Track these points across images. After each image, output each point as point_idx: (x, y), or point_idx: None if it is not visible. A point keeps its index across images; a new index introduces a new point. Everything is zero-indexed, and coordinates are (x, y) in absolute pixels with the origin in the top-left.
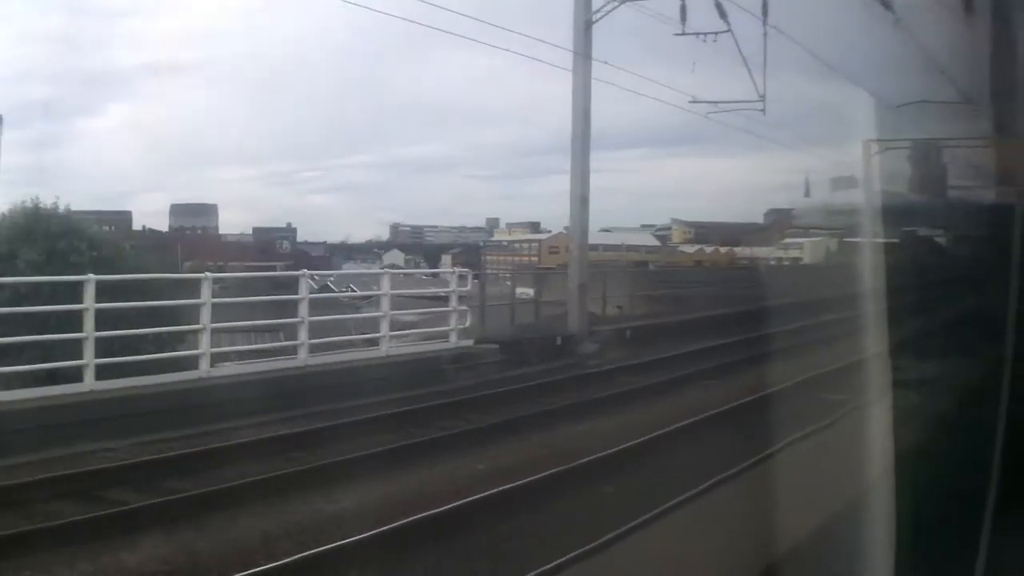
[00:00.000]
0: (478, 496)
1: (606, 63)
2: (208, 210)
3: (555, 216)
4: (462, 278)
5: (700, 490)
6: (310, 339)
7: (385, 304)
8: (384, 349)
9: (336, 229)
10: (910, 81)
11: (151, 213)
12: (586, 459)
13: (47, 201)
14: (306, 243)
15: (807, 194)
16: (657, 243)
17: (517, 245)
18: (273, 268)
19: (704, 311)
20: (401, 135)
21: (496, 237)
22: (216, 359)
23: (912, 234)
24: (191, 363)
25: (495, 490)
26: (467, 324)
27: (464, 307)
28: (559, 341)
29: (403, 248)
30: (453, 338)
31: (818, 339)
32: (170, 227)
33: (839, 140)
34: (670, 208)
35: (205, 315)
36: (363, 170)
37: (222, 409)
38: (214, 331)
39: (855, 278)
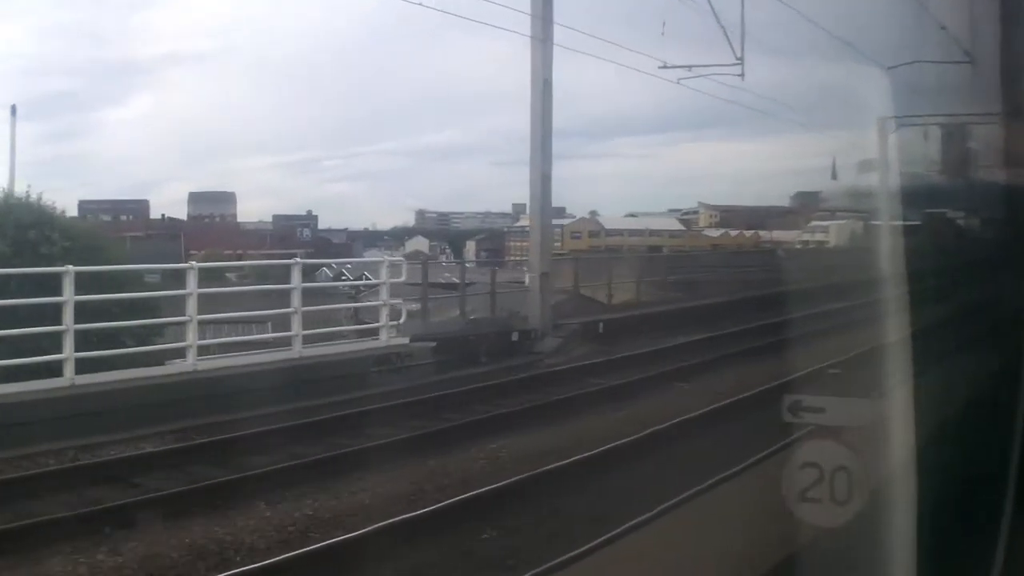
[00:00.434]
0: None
1: (628, 49)
2: (226, 198)
3: (580, 201)
4: (394, 267)
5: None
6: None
7: (296, 300)
8: (297, 350)
9: (361, 216)
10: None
11: (178, 202)
12: (465, 495)
13: (69, 193)
14: (327, 231)
15: (834, 176)
16: (681, 227)
17: None
18: (293, 256)
19: (716, 297)
20: (424, 121)
21: (519, 223)
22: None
23: (935, 217)
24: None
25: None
26: (402, 320)
27: (399, 300)
28: (515, 337)
29: (427, 234)
30: (384, 336)
31: (835, 325)
32: (188, 215)
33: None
34: (697, 192)
35: (193, 306)
36: (387, 157)
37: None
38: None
39: (877, 262)
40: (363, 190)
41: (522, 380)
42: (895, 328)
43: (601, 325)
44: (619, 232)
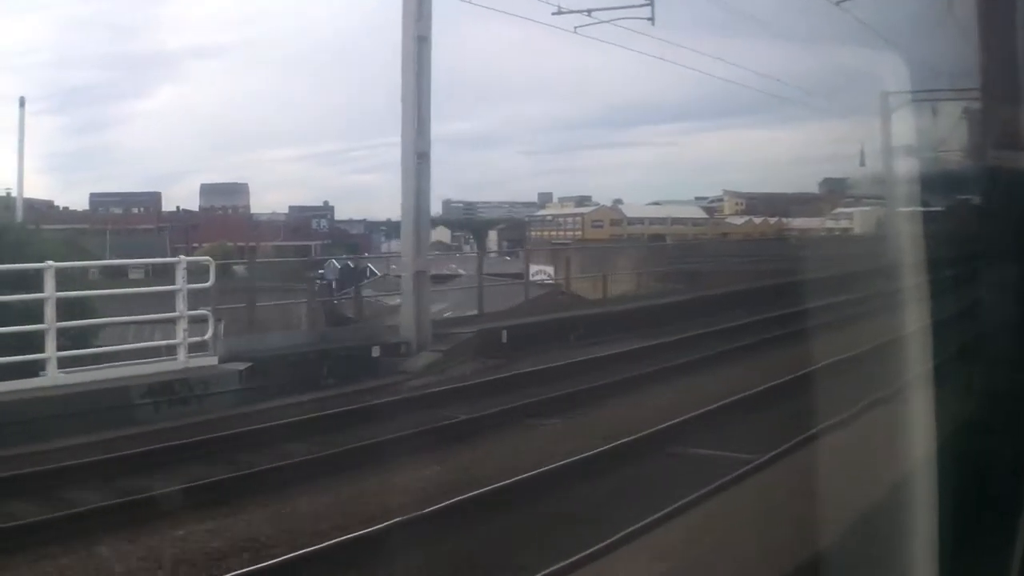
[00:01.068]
0: None
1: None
2: (239, 189)
3: (606, 190)
4: (195, 272)
5: None
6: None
7: (49, 311)
8: (52, 376)
9: (389, 207)
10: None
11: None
12: None
13: (92, 185)
14: (345, 221)
15: (862, 163)
16: (704, 215)
17: (561, 220)
18: (308, 248)
19: (714, 289)
20: (448, 111)
21: (541, 212)
22: None
23: (957, 202)
24: None
25: None
26: (207, 335)
27: (206, 311)
28: (376, 352)
29: (450, 224)
30: (182, 356)
31: (845, 317)
32: (200, 207)
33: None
34: (723, 180)
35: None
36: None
37: None
38: None
39: (897, 249)
40: (390, 180)
41: (338, 415)
42: (912, 318)
43: (504, 333)
44: (640, 220)
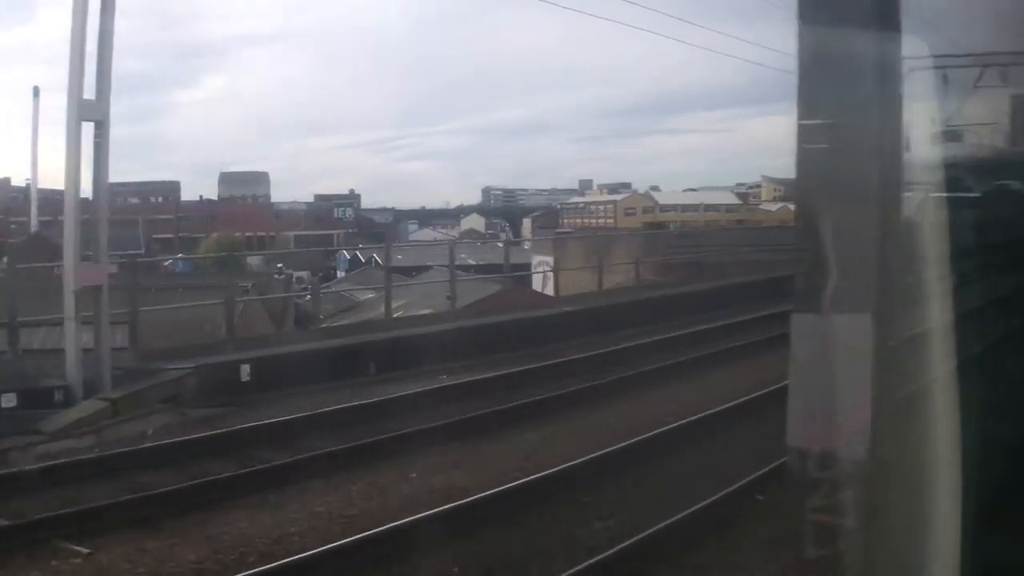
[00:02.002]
0: None
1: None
2: (258, 178)
3: (650, 176)
4: None
5: None
6: None
7: None
8: None
9: (433, 195)
10: None
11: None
12: None
13: (141, 175)
14: (371, 210)
15: (907, 148)
16: (737, 201)
17: (593, 207)
18: (330, 237)
19: (712, 281)
20: (494, 99)
21: (574, 200)
22: None
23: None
24: None
25: None
26: None
27: None
28: (9, 402)
29: (486, 213)
30: None
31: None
32: (219, 196)
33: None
34: (767, 166)
35: None
36: (458, 136)
37: None
38: None
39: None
40: (436, 168)
41: None
42: (936, 312)
43: (246, 368)
44: (673, 207)
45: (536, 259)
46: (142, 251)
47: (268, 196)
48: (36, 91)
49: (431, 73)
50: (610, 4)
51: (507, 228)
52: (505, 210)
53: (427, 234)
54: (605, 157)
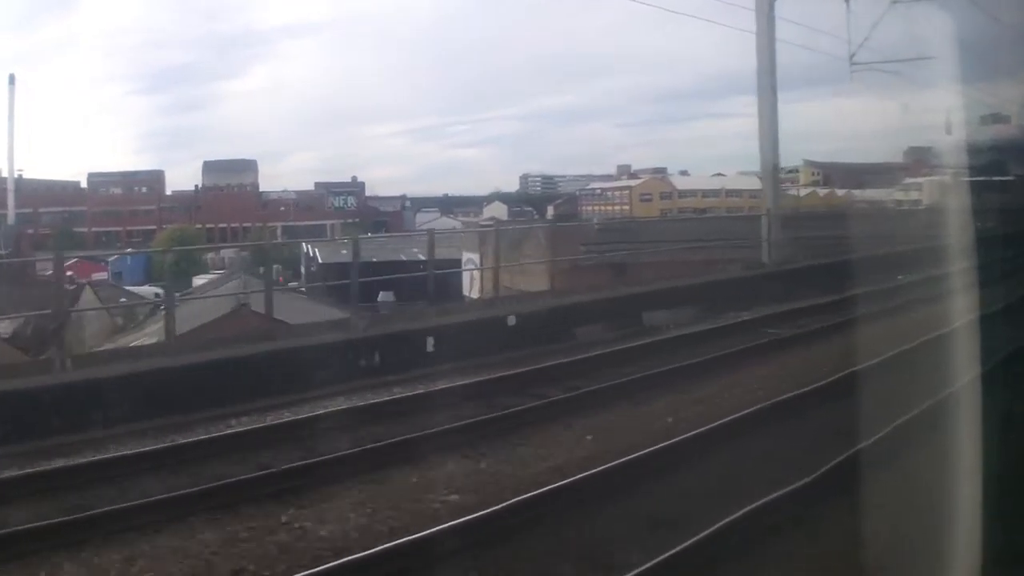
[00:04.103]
0: None
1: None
2: (245, 166)
3: (693, 160)
4: None
5: None
6: None
7: None
8: None
9: (486, 182)
10: None
11: (301, 171)
12: None
13: (187, 165)
14: (376, 198)
15: (948, 132)
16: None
17: (610, 193)
18: (322, 228)
19: (613, 290)
20: (545, 85)
21: (592, 186)
22: None
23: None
24: None
25: None
26: None
27: None
28: None
29: (511, 200)
30: None
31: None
32: (203, 185)
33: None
34: (810, 150)
35: None
36: (509, 122)
37: None
38: None
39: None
40: (488, 155)
41: None
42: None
43: None
44: (692, 193)
45: (465, 256)
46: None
47: (256, 185)
48: (12, 79)
49: (481, 59)
50: None
51: (534, 215)
52: (530, 197)
53: (445, 223)
54: (651, 142)
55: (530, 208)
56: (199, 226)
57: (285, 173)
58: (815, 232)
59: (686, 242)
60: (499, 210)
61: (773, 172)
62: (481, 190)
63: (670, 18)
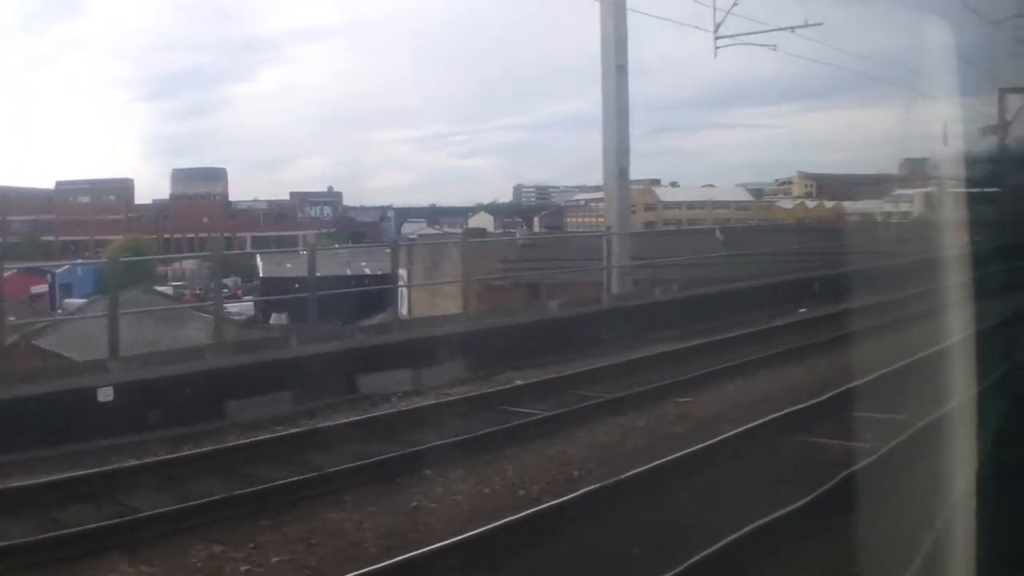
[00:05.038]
0: None
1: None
2: (215, 175)
3: (692, 172)
4: None
5: None
6: None
7: None
8: None
9: (491, 190)
10: None
11: (311, 178)
12: None
13: None
14: (355, 208)
15: (946, 142)
16: (749, 198)
17: (592, 204)
18: (294, 238)
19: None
20: (549, 94)
21: (576, 197)
22: None
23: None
24: None
25: None
26: None
27: None
28: None
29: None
30: None
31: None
32: (171, 194)
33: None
34: (808, 161)
35: None
36: (515, 131)
37: None
38: None
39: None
40: (493, 164)
41: None
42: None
43: None
44: (677, 204)
45: (401, 271)
46: None
47: (226, 194)
48: None
49: (484, 67)
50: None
51: (522, 226)
52: (520, 208)
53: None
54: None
55: (520, 219)
56: (153, 236)
57: (291, 180)
58: (752, 249)
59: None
60: (484, 221)
61: (620, 179)
62: (483, 199)
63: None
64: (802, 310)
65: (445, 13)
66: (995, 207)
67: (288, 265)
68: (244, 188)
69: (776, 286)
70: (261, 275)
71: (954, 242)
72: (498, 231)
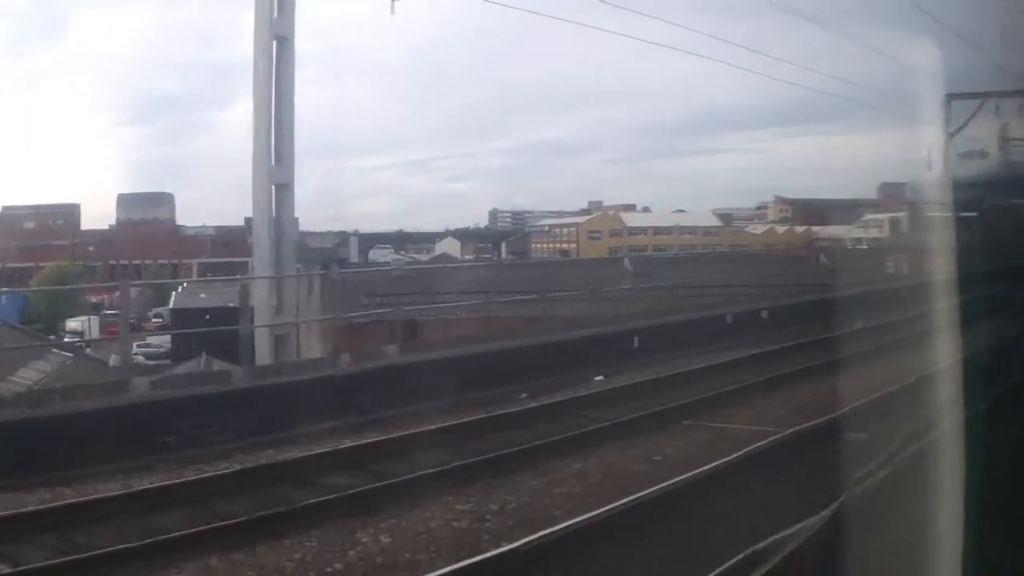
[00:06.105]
0: None
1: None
2: (162, 199)
3: (670, 197)
4: None
5: None
6: None
7: None
8: None
9: (477, 215)
10: None
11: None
12: None
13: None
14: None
15: (929, 167)
16: (717, 223)
17: (557, 230)
18: (244, 265)
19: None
20: (532, 119)
21: (542, 222)
22: None
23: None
24: None
25: None
26: None
27: None
28: None
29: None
30: None
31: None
32: (117, 220)
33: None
34: (787, 187)
35: None
36: (500, 156)
37: None
38: None
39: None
40: (478, 189)
41: None
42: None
43: None
44: (643, 230)
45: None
46: None
47: (173, 219)
48: None
49: (468, 93)
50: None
51: (493, 251)
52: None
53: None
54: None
55: (490, 244)
56: (99, 263)
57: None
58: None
59: (494, 295)
60: (451, 246)
61: (280, 195)
62: (467, 223)
63: (657, 52)
64: (598, 378)
65: (425, 41)
66: (966, 232)
67: (202, 296)
68: (224, 214)
69: (653, 329)
70: (171, 306)
71: (914, 269)
72: (468, 257)
